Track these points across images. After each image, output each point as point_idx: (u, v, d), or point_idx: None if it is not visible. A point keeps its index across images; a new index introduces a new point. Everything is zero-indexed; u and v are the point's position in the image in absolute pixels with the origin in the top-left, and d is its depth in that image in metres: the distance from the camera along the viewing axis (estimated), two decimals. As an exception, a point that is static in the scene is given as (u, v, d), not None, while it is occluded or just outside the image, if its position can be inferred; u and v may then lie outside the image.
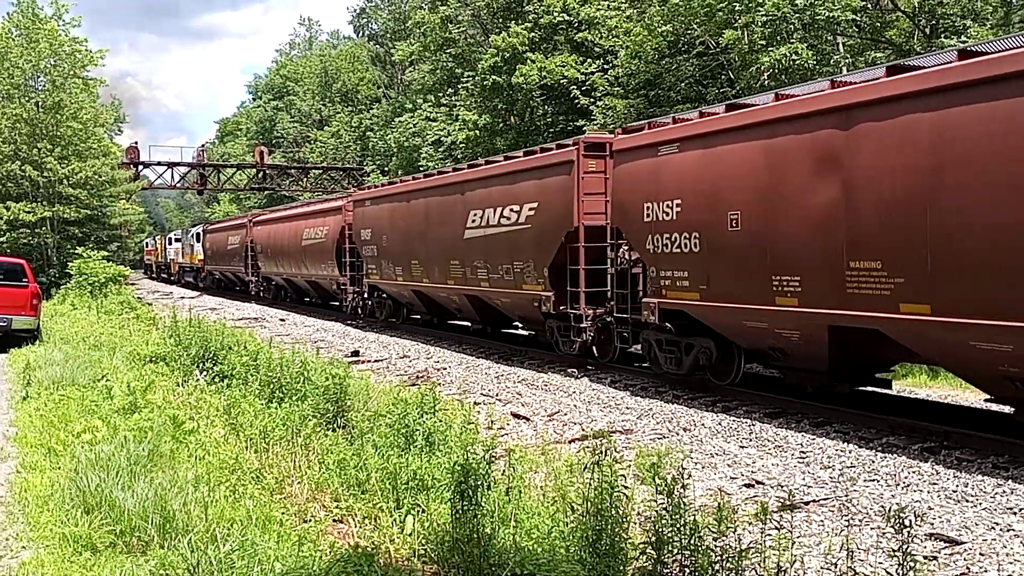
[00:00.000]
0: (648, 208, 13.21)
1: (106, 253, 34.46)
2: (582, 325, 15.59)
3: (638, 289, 14.22)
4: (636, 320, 14.10)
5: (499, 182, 17.80)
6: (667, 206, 12.83)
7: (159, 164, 57.28)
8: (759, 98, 12.18)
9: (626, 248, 14.51)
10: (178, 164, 58.14)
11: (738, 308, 11.68)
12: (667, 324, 13.31)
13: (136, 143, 56.41)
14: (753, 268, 11.35)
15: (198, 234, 54.78)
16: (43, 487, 7.55)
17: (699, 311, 12.54)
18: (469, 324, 21.93)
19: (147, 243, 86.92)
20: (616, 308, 14.82)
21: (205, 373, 13.81)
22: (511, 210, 17.08)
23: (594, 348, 15.91)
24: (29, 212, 33.79)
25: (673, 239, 12.74)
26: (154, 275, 77.95)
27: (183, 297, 44.91)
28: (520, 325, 20.26)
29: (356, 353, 19.54)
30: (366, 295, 26.04)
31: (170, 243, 67.84)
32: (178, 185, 60.00)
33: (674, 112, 16.75)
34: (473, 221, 18.51)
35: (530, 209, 16.53)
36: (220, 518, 6.32)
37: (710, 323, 12.58)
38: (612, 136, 15.08)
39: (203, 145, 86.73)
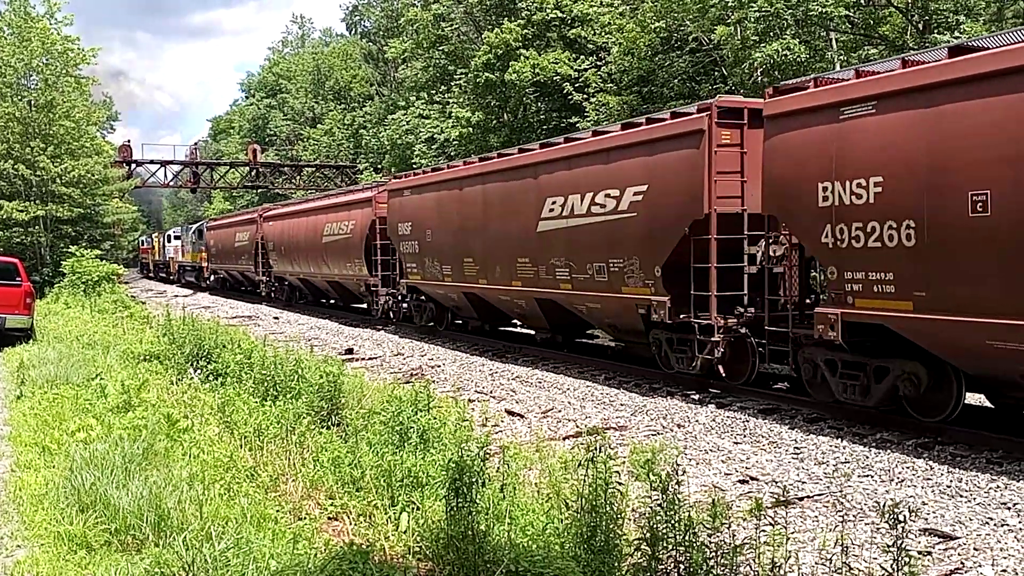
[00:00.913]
0: (826, 190, 10.33)
1: (99, 252, 34.37)
2: (713, 338, 12.51)
3: (780, 294, 11.97)
4: (785, 332, 11.48)
5: (588, 162, 14.71)
6: (859, 185, 9.92)
7: (152, 162, 57.16)
8: (993, 39, 9.43)
9: (774, 242, 11.91)
10: (171, 162, 58.01)
11: (982, 323, 8.73)
12: (846, 341, 10.38)
13: (129, 141, 56.24)
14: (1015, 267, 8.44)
15: (200, 231, 51.64)
16: (38, 486, 7.54)
17: (910, 326, 9.55)
18: (533, 332, 18.92)
19: (142, 241, 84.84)
20: (767, 318, 11.77)
21: (199, 371, 13.79)
22: (607, 196, 14.07)
23: (720, 367, 12.99)
24: (22, 211, 33.73)
25: (870, 230, 9.83)
26: (151, 274, 75.33)
27: (175, 295, 44.86)
28: (603, 334, 17.57)
29: (350, 351, 19.52)
30: (402, 297, 23.19)
31: (169, 240, 64.56)
32: (171, 183, 59.86)
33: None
34: (551, 211, 15.60)
35: (636, 194, 13.47)
36: (215, 516, 6.31)
37: (925, 342, 9.64)
38: (756, 100, 12.64)
39: (196, 143, 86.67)
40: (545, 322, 17.18)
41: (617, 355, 16.46)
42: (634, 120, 14.94)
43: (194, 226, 56.24)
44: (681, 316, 12.87)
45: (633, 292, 13.69)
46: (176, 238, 62.02)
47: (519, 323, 19.52)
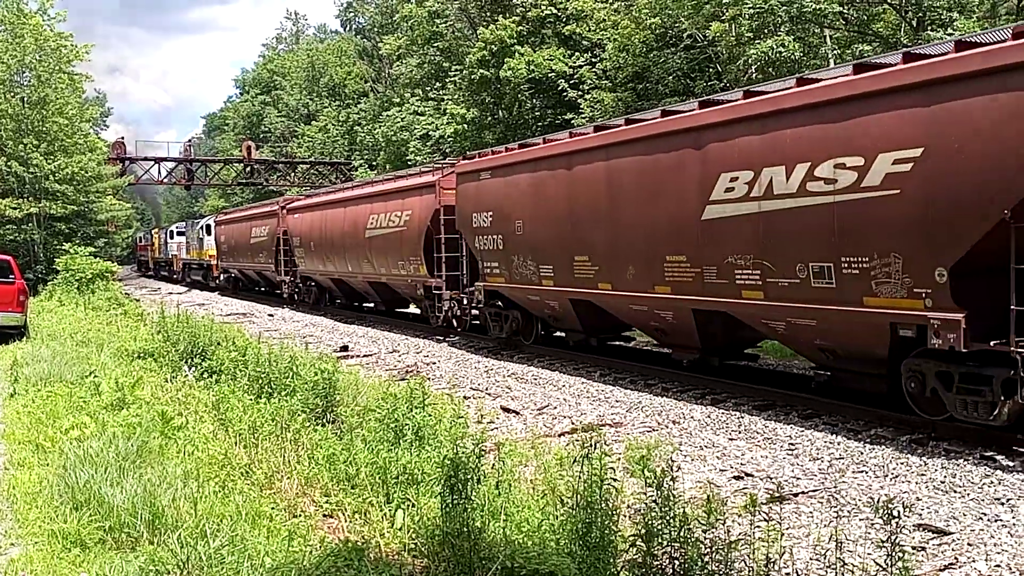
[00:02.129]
0: None
1: (93, 249, 34.30)
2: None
3: None
4: None
5: (802, 120, 10.26)
6: None
7: (146, 159, 56.99)
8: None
9: None
10: (165, 159, 57.85)
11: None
12: None
13: (123, 138, 56.21)
14: None
15: (208, 226, 47.88)
16: (32, 484, 7.53)
17: None
18: (670, 351, 14.29)
19: (140, 237, 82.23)
20: None
21: (194, 369, 13.79)
22: (839, 167, 9.74)
23: None
24: (15, 208, 33.62)
25: None
26: (151, 272, 71.37)
27: (170, 293, 44.73)
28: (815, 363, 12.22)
29: (345, 348, 19.51)
30: (476, 303, 19.12)
31: (171, 237, 59.97)
32: (165, 180, 59.73)
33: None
34: (728, 190, 11.34)
35: (899, 162, 9.19)
36: (209, 513, 6.31)
37: None
38: None
39: (190, 140, 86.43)
40: (697, 340, 12.97)
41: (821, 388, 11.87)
42: (868, 62, 10.43)
43: (202, 220, 52.15)
44: (991, 343, 8.74)
45: (887, 305, 9.55)
46: (180, 234, 58.09)
47: (656, 341, 15.34)
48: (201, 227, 49.82)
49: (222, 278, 44.31)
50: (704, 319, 12.57)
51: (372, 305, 28.02)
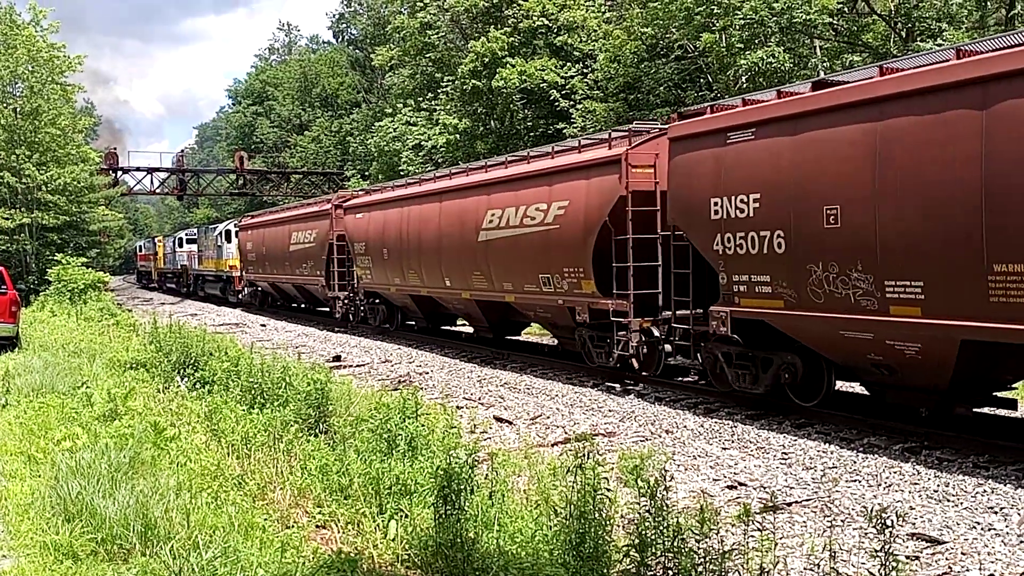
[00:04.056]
0: None
1: (85, 260, 34.25)
2: None
3: None
4: None
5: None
6: None
7: (138, 169, 56.99)
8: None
9: None
10: (157, 169, 57.88)
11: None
12: None
13: (115, 148, 56.16)
14: None
15: (228, 232, 41.68)
16: (23, 495, 7.50)
17: None
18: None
19: (140, 246, 77.33)
20: None
21: (186, 379, 13.76)
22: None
23: None
24: (7, 219, 33.61)
25: None
26: (155, 285, 65.42)
27: (159, 303, 44.51)
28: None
29: (337, 358, 19.48)
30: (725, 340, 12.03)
31: (179, 245, 53.90)
32: (157, 191, 59.66)
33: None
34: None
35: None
36: (202, 525, 6.29)
37: None
38: None
39: (183, 150, 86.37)
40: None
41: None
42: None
43: (219, 226, 45.38)
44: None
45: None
46: (190, 241, 51.69)
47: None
48: (219, 233, 43.01)
49: (246, 292, 37.86)
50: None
51: (471, 330, 21.72)
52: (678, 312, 13.11)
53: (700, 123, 12.18)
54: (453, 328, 23.93)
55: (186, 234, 54.17)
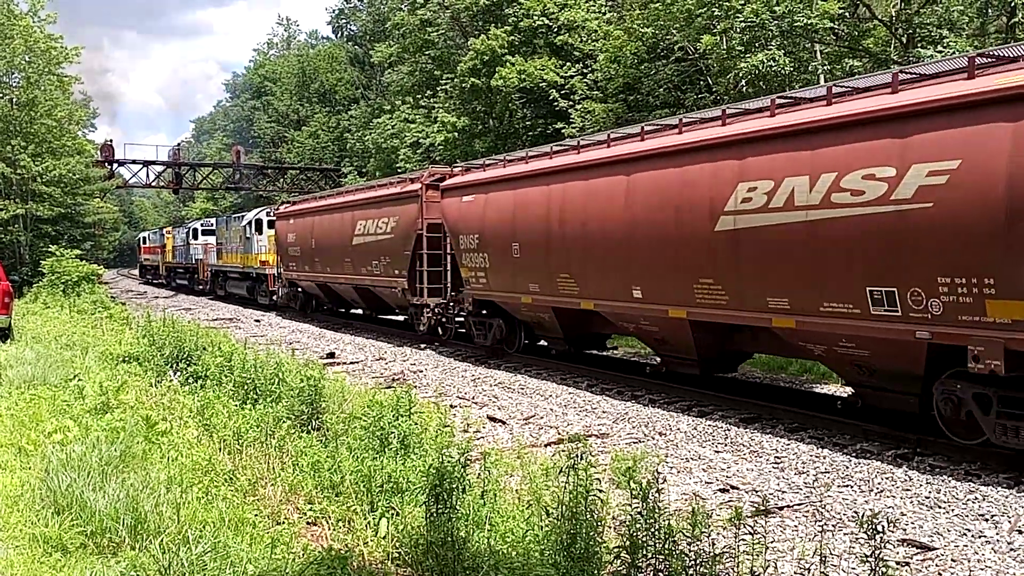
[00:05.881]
0: None
1: (79, 252, 34.18)
2: None
3: None
4: None
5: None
6: None
7: (134, 162, 56.85)
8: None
9: None
10: (153, 162, 57.69)
11: None
12: None
13: (111, 141, 55.91)
14: None
15: (259, 221, 34.95)
16: (13, 487, 7.46)
17: None
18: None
19: (144, 237, 71.95)
20: None
21: (179, 373, 13.73)
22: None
23: None
24: (2, 209, 33.55)
25: None
26: (163, 281, 59.99)
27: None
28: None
29: (331, 355, 19.45)
30: None
31: (195, 236, 48.23)
32: (153, 184, 59.53)
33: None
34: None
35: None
36: (192, 520, 6.27)
37: None
38: None
39: (179, 144, 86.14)
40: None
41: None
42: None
43: (247, 215, 37.90)
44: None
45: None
46: (207, 232, 46.10)
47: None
48: (248, 223, 36.11)
49: (282, 293, 31.93)
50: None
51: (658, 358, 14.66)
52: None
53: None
54: (601, 353, 18.14)
55: (202, 225, 48.82)
